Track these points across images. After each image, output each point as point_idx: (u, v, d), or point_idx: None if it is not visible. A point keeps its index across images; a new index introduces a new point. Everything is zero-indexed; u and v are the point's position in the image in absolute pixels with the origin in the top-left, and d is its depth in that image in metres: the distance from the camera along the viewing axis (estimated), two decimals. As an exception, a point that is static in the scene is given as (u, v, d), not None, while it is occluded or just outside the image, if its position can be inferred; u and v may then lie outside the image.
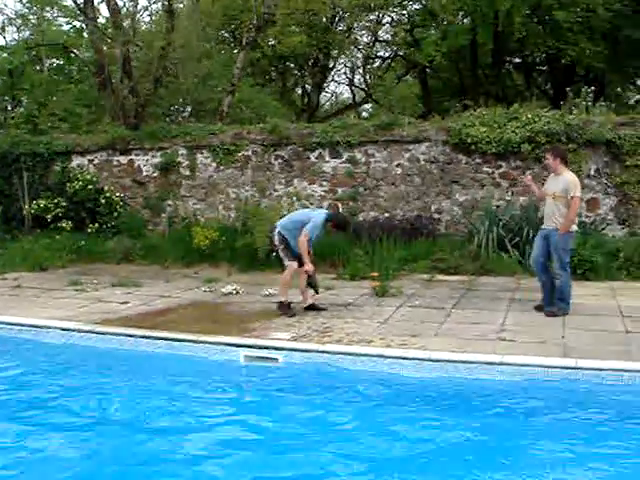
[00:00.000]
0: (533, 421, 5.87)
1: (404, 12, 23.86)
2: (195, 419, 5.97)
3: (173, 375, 7.20)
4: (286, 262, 9.01)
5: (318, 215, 9.00)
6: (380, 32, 25.34)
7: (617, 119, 12.23)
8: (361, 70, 27.95)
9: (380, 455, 5.20)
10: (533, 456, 5.17)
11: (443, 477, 4.88)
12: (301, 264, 8.91)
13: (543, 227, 8.87)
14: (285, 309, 9.01)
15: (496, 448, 5.34)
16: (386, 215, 13.33)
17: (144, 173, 15.12)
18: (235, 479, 4.86)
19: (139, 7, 18.02)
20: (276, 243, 9.07)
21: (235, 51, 22.25)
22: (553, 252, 8.63)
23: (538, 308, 8.95)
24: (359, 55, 26.56)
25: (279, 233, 8.98)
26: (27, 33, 22.62)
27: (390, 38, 25.44)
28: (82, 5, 16.69)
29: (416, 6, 23.39)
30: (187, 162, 14.72)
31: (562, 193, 8.46)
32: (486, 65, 23.03)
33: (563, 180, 8.53)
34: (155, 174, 15.00)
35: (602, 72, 20.91)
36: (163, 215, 14.84)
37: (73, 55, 22.36)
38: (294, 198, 13.86)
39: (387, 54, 27.24)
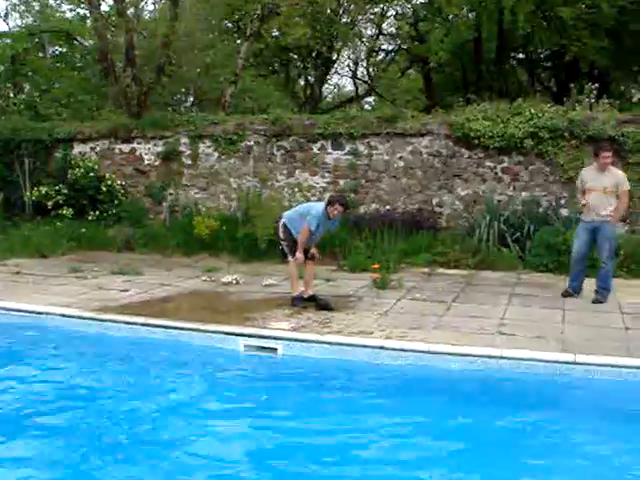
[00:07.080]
0: (526, 415, 5.88)
1: (409, 5, 23.77)
2: (194, 408, 5.99)
3: (171, 363, 7.21)
4: (290, 257, 8.98)
5: (319, 206, 8.97)
6: (384, 25, 25.25)
7: (620, 116, 12.18)
8: (364, 63, 27.91)
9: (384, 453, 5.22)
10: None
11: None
12: (306, 257, 8.91)
13: (588, 220, 9.22)
14: (298, 302, 8.92)
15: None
16: (387, 208, 13.33)
17: (146, 162, 15.08)
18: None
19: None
20: (280, 236, 9.06)
21: (238, 41, 22.18)
22: (603, 242, 9.15)
23: (565, 294, 9.43)
24: (363, 48, 26.50)
25: (283, 225, 8.96)
26: (30, 20, 22.62)
27: (394, 31, 25.36)
28: (86, -8, 16.68)
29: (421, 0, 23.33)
30: (189, 151, 14.69)
31: (613, 187, 9.04)
32: (490, 60, 22.97)
33: (614, 175, 9.13)
34: (157, 163, 14.96)
35: (606, 69, 20.85)
36: (164, 204, 14.83)
37: (76, 42, 22.36)
38: (296, 189, 13.85)
39: (391, 47, 27.19)
